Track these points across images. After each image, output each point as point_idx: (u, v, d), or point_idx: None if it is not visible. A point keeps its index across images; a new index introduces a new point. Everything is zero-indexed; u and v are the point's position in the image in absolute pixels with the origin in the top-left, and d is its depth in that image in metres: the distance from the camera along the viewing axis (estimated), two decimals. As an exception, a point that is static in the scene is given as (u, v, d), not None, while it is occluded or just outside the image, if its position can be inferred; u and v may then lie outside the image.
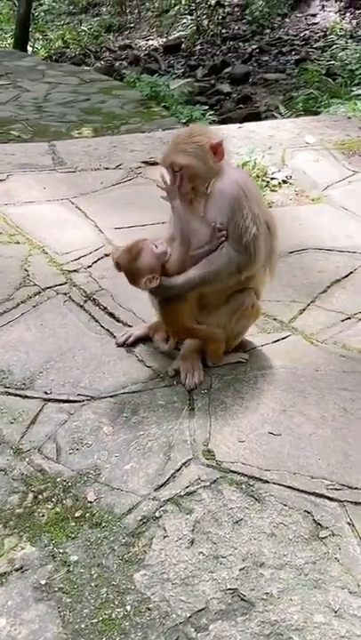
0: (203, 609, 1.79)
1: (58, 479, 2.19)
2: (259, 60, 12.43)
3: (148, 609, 1.80)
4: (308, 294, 3.25)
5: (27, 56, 12.32)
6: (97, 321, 3.00)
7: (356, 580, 1.86)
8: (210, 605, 1.80)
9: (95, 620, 1.77)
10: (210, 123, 7.36)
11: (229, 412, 2.44)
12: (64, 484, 2.17)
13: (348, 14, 13.16)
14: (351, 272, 3.44)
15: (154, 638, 1.73)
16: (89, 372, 2.66)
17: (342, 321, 3.04)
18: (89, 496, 2.12)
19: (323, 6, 13.82)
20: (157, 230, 3.31)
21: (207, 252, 2.45)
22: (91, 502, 2.10)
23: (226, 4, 14.90)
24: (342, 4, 13.44)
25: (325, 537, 1.98)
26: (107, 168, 4.70)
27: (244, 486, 2.14)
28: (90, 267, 3.41)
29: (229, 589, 1.84)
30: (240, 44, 13.54)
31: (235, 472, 2.19)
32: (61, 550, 1.96)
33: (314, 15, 13.77)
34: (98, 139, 5.77)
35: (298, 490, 2.12)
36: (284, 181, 4.49)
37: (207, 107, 8.33)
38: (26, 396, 2.55)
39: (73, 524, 2.04)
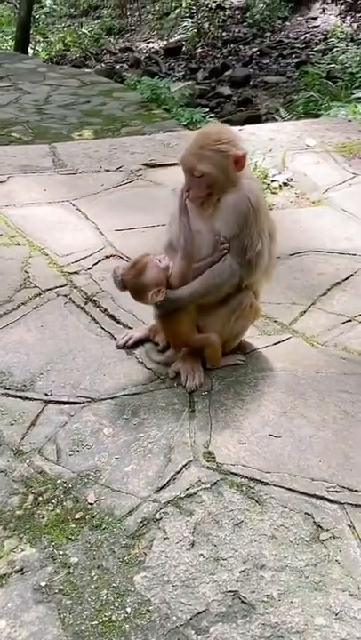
0: (203, 611, 1.79)
1: (58, 481, 2.19)
2: (259, 62, 12.44)
3: (149, 611, 1.79)
4: (309, 296, 3.25)
5: (27, 58, 12.32)
6: (97, 323, 3.00)
7: (357, 582, 1.86)
8: (210, 608, 1.80)
9: (95, 622, 1.77)
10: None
11: (230, 414, 2.44)
12: (64, 485, 2.17)
13: (348, 17, 13.18)
14: (351, 274, 3.44)
15: (154, 640, 1.72)
16: (89, 374, 2.66)
17: (343, 323, 3.04)
18: (89, 498, 2.12)
19: (323, 9, 13.85)
20: (158, 232, 3.32)
21: (209, 264, 2.46)
22: (91, 504, 2.10)
23: (227, 6, 14.91)
24: (343, 7, 13.47)
25: (326, 539, 1.98)
26: (107, 170, 4.71)
27: (244, 488, 2.14)
28: (90, 268, 3.41)
29: (230, 591, 1.84)
30: (241, 46, 13.55)
31: (235, 474, 2.18)
32: (61, 552, 1.96)
33: (314, 18, 13.80)
34: (98, 141, 5.78)
35: (298, 492, 2.12)
36: (285, 184, 4.49)
37: (208, 109, 8.35)
38: (26, 398, 2.54)
39: (73, 525, 2.04)
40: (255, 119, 8.10)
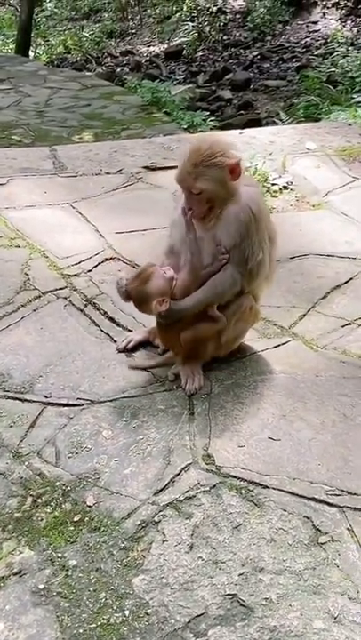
0: (202, 614, 1.79)
1: (57, 483, 2.19)
2: (260, 66, 12.48)
3: (147, 614, 1.79)
4: (309, 300, 3.25)
5: (28, 61, 12.36)
6: (97, 325, 3.00)
7: (356, 585, 1.86)
8: (209, 611, 1.80)
9: (93, 625, 1.77)
10: (210, 129, 7.40)
11: (229, 416, 2.44)
12: (63, 487, 2.17)
13: (349, 22, 13.23)
14: (351, 278, 3.44)
15: (152, 643, 1.72)
16: (89, 376, 2.66)
17: (342, 327, 3.05)
18: (88, 500, 2.12)
19: (324, 14, 13.89)
20: (158, 235, 3.32)
21: (210, 274, 2.48)
22: (90, 506, 2.10)
23: (227, 10, 14.96)
24: (343, 11, 13.51)
25: (325, 542, 1.97)
26: (108, 173, 4.71)
27: (243, 491, 2.13)
28: (90, 271, 3.41)
29: (228, 595, 1.83)
30: (241, 50, 13.60)
31: (234, 477, 2.18)
32: (60, 554, 1.95)
33: (315, 22, 13.84)
34: (99, 144, 5.78)
35: (297, 495, 2.12)
36: (285, 187, 4.49)
37: (208, 113, 8.37)
38: (25, 400, 2.54)
39: (72, 528, 2.03)
40: (256, 123, 8.12)
